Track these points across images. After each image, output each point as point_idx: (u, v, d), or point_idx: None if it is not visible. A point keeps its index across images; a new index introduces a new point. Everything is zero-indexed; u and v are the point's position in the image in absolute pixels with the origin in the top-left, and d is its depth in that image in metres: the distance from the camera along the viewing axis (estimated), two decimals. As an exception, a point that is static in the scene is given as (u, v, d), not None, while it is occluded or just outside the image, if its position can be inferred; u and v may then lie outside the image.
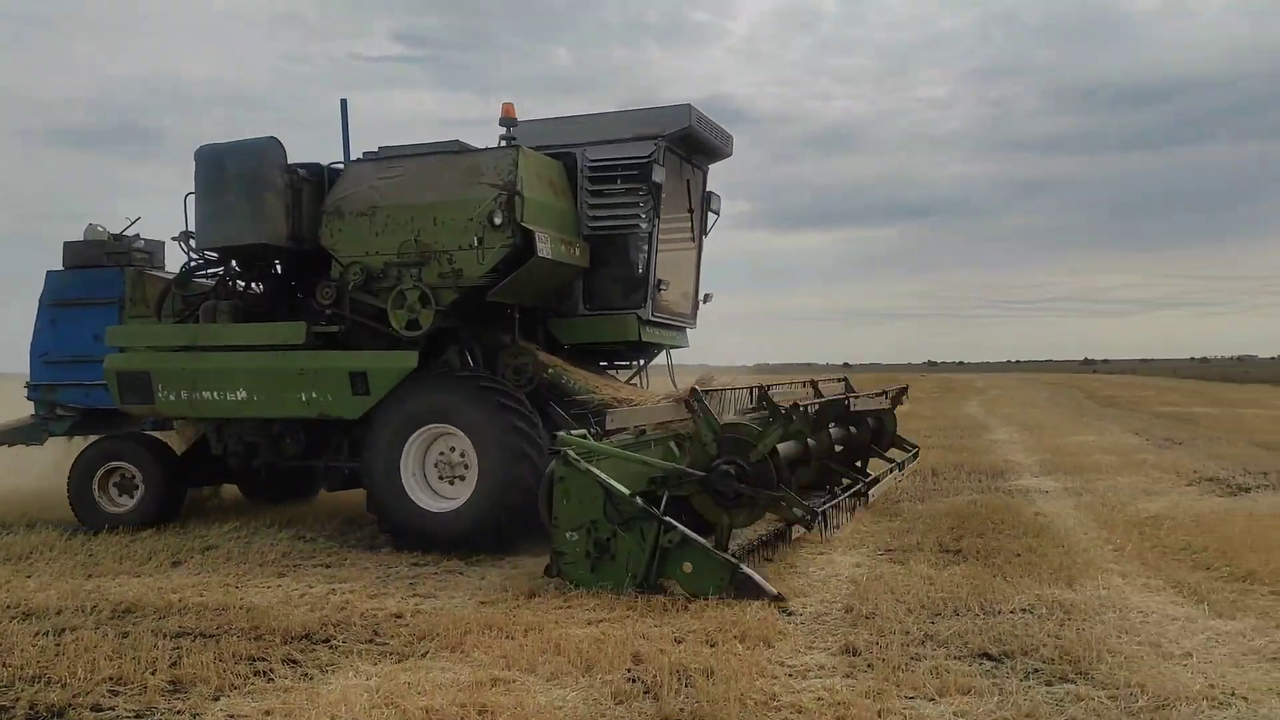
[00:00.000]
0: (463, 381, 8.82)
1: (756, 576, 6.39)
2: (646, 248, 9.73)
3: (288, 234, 9.26)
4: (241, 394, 9.35)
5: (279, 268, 10.06)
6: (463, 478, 8.76)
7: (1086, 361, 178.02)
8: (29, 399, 10.75)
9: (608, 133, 9.62)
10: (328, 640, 5.81)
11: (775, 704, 4.59)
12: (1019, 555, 7.68)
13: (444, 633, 5.80)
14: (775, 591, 6.32)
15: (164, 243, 10.93)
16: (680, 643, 5.54)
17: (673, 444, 8.35)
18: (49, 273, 10.63)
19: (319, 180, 9.54)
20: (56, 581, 7.56)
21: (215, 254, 9.78)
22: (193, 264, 9.95)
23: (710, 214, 10.83)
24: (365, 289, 9.06)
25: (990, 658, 5.26)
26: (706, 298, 11.10)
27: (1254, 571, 7.02)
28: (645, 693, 4.77)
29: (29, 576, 7.76)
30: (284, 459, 9.71)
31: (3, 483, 11.77)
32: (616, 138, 9.59)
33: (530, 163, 8.94)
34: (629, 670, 5.08)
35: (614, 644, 5.43)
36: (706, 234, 10.90)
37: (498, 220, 8.58)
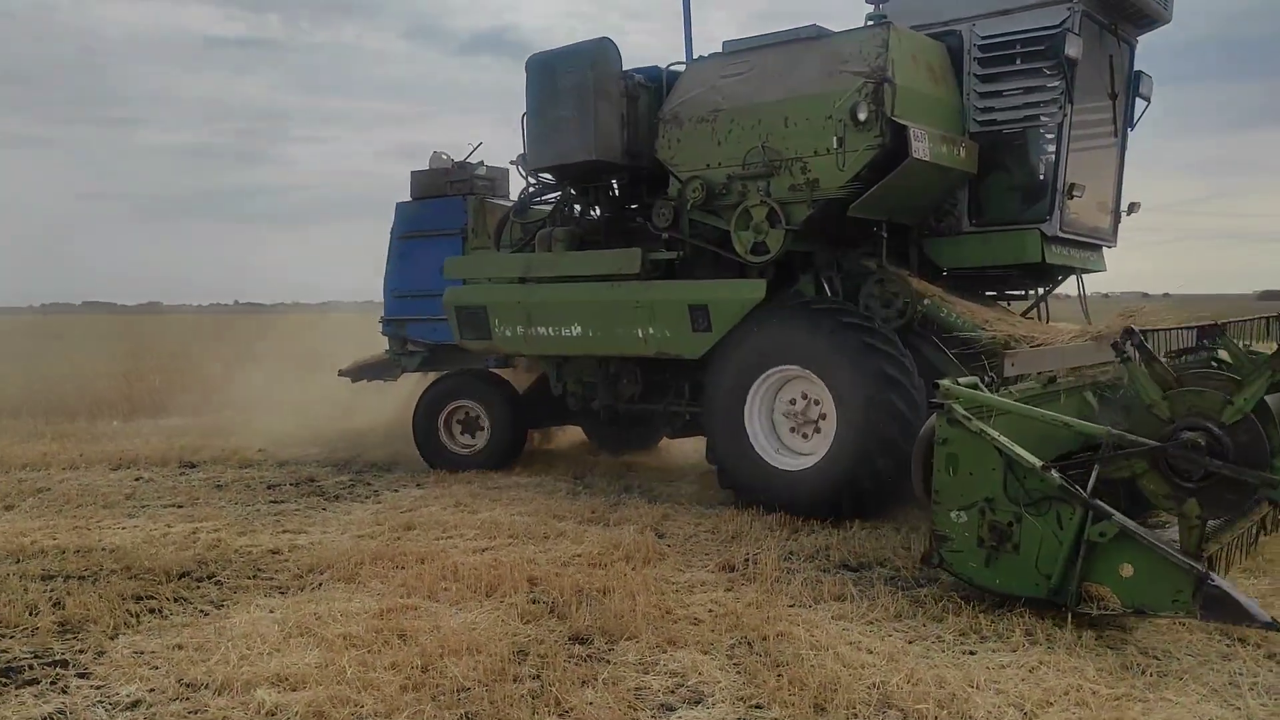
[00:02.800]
0: (818, 316, 7.35)
1: (1237, 593, 4.41)
2: (1053, 145, 7.66)
3: (623, 149, 8.20)
4: (576, 329, 8.48)
5: (615, 189, 9.05)
6: (817, 431, 7.33)
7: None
8: (383, 334, 10.66)
9: (1004, 0, 7.61)
10: (212, 577, 5.69)
11: (672, 616, 4.88)
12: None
13: (335, 565, 5.76)
14: (1268, 617, 4.31)
15: (506, 170, 10.37)
16: (569, 565, 5.81)
17: (1089, 396, 6.39)
18: (398, 204, 10.38)
19: (657, 86, 8.39)
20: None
21: (549, 176, 8.95)
22: (530, 189, 9.22)
23: (1139, 99, 8.43)
24: (705, 208, 7.81)
25: (850, 568, 5.82)
26: (1132, 208, 8.72)
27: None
28: (550, 612, 4.98)
29: None
30: (621, 401, 8.78)
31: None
32: (1015, 6, 7.56)
33: (904, 43, 7.21)
34: (530, 593, 5.28)
35: (509, 569, 5.57)
36: (1133, 127, 8.52)
37: (862, 115, 6.96)
